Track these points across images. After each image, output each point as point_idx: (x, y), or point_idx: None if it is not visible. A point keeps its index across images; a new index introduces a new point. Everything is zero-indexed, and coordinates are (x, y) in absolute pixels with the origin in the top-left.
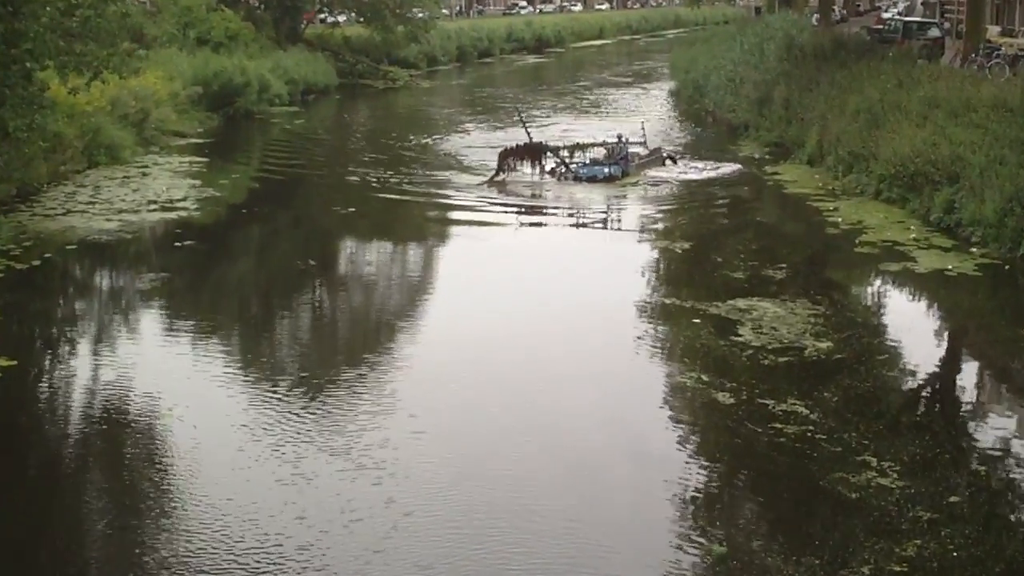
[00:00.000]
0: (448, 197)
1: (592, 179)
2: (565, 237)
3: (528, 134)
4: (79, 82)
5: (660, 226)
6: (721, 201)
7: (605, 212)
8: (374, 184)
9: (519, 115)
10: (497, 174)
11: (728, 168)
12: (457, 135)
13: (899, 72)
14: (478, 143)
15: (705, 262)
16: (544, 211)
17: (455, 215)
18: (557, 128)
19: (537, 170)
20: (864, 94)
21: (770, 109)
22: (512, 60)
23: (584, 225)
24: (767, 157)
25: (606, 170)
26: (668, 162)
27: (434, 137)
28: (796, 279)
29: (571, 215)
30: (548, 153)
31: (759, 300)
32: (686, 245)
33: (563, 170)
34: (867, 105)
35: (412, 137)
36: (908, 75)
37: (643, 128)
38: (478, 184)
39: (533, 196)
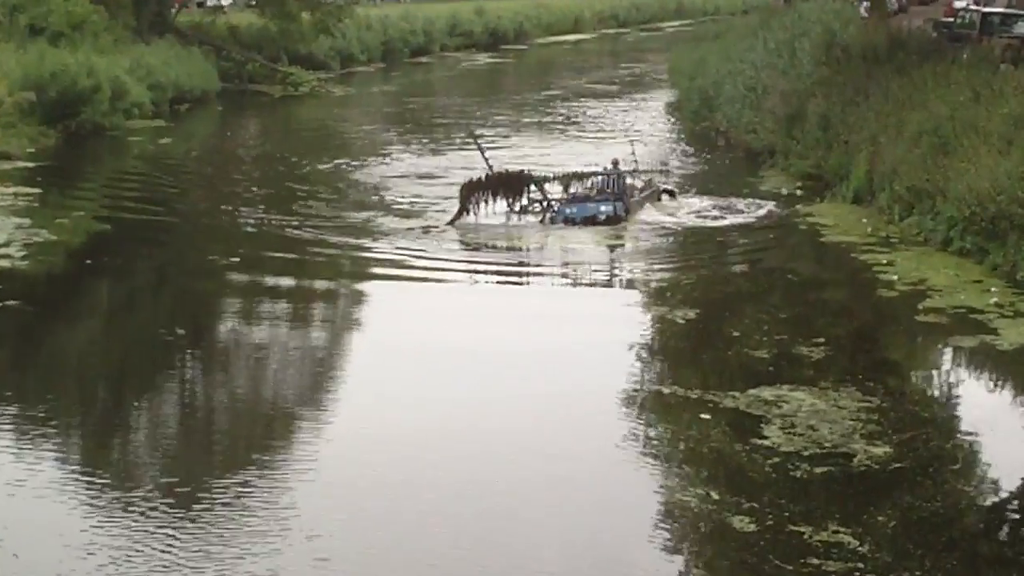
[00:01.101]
0: (369, 248)
1: (589, 220)
2: (539, 301)
3: (487, 162)
4: None
5: (659, 286)
6: (738, 252)
7: (602, 267)
8: (267, 228)
9: (473, 137)
10: (460, 215)
11: (748, 207)
12: (382, 162)
13: (975, 81)
14: (411, 173)
15: (717, 336)
16: (519, 267)
17: (381, 271)
18: (517, 153)
19: (518, 208)
20: (929, 110)
21: (803, 129)
22: (457, 60)
23: (571, 283)
24: (799, 193)
25: (603, 208)
26: (665, 197)
27: (350, 164)
28: (839, 359)
29: (554, 271)
30: (533, 187)
31: (790, 388)
32: (692, 313)
33: (546, 208)
34: (933, 125)
35: (320, 164)
36: (988, 85)
37: (634, 153)
38: (419, 230)
39: (504, 247)
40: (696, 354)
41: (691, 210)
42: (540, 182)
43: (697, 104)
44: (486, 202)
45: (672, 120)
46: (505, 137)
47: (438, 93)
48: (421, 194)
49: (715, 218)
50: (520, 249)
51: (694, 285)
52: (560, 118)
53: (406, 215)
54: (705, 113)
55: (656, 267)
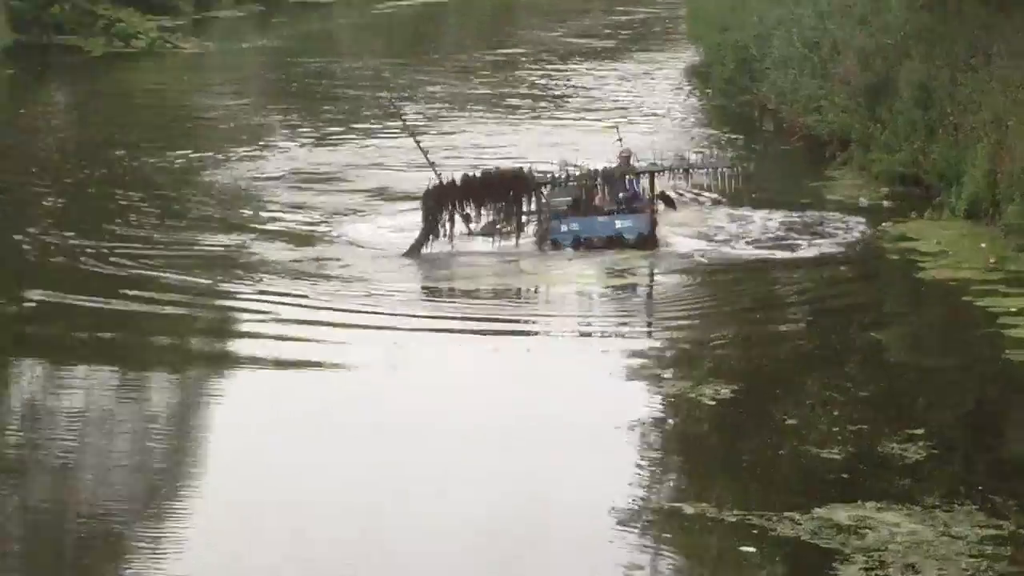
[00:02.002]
0: (229, 295)
1: (605, 242)
2: (510, 365)
3: (433, 166)
4: None
5: (680, 346)
6: (795, 295)
7: (596, 317)
8: (76, 259)
9: (401, 119)
10: (425, 239)
11: (808, 225)
12: (252, 156)
13: None
14: (296, 173)
15: (765, 425)
16: (482, 320)
17: (245, 341)
18: (464, 139)
19: (512, 226)
20: None
21: (892, 107)
22: (369, 1)
23: (550, 336)
24: (885, 203)
25: (622, 224)
26: (660, 205)
27: (205, 160)
28: (950, 461)
29: (529, 323)
30: (534, 194)
31: (876, 507)
32: (727, 388)
33: (543, 226)
34: None
35: (159, 159)
36: None
37: (620, 140)
38: (311, 263)
39: (466, 290)
40: (733, 453)
41: (724, 230)
42: (543, 185)
43: (732, 69)
44: (466, 217)
45: (694, 93)
46: (445, 117)
47: (341, 51)
48: (312, 205)
49: (761, 243)
50: (492, 294)
51: (731, 346)
52: (527, 90)
53: (288, 239)
54: (744, 83)
55: (676, 317)
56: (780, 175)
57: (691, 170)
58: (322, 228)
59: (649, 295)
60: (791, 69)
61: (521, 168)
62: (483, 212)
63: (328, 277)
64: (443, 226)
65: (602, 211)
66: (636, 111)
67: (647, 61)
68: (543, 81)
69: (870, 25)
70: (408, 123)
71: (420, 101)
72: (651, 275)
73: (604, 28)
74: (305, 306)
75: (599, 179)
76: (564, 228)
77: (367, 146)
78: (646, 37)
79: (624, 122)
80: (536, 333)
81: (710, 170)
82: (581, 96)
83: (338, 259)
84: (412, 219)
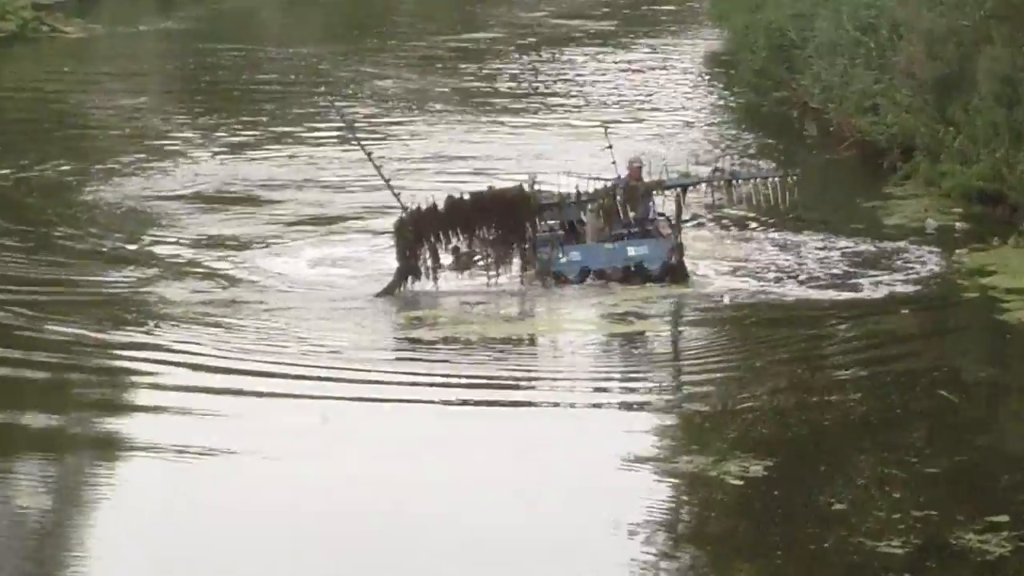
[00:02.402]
0: (122, 348)
1: (631, 274)
2: (486, 455)
3: (394, 192)
4: None
5: (703, 409)
6: (847, 346)
7: (599, 374)
8: None
9: (343, 119)
10: (403, 279)
11: (863, 255)
12: (150, 168)
13: None
14: (206, 190)
15: (806, 509)
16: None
17: (160, 401)
18: (424, 148)
19: (516, 260)
20: None
21: (968, 106)
22: None
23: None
24: (958, 227)
25: (637, 251)
26: (663, 226)
27: (89, 172)
28: None
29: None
30: (539, 220)
31: None
32: (758, 465)
33: (547, 259)
34: None
35: (31, 171)
36: None
37: (610, 147)
38: (225, 304)
39: (445, 337)
40: (765, 546)
41: (761, 262)
42: (560, 205)
43: (764, 58)
44: (455, 252)
45: (717, 88)
46: (397, 123)
47: (265, 36)
48: (225, 232)
49: (804, 279)
50: (462, 347)
51: (764, 410)
52: (504, 86)
53: (194, 277)
54: (780, 75)
55: (696, 374)
56: (827, 192)
57: (734, 182)
58: (237, 262)
59: (665, 346)
60: (839, 58)
61: (521, 186)
62: (475, 244)
63: (243, 327)
64: (424, 264)
65: (635, 237)
66: (644, 112)
67: (657, 48)
68: (524, 74)
69: (940, 2)
70: (352, 126)
71: (367, 100)
72: (671, 320)
73: (601, 6)
74: (213, 367)
75: (619, 196)
76: (563, 258)
77: (295, 157)
78: (655, 17)
79: (627, 127)
80: (517, 403)
81: (756, 182)
82: (573, 93)
83: (259, 302)
84: (352, 250)
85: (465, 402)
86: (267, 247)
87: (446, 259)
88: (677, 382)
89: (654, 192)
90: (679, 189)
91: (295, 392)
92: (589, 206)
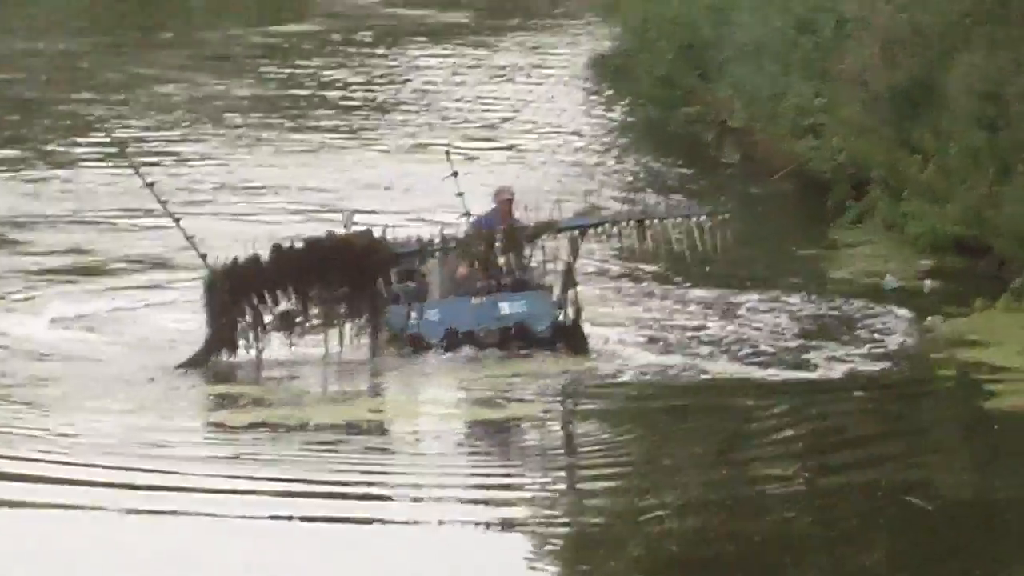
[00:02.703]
0: None
1: (514, 336)
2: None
3: (172, 214)
4: None
5: (592, 521)
6: (786, 437)
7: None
8: None
9: (110, 137)
10: (214, 347)
11: (809, 318)
12: None
13: None
14: None
15: None
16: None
17: None
18: (216, 175)
19: (356, 328)
20: None
21: (938, 127)
22: None
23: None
24: (928, 284)
25: (516, 307)
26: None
27: None
28: None
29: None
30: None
31: None
32: None
33: (402, 320)
34: None
35: None
36: None
37: (453, 170)
38: None
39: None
40: None
41: (679, 327)
42: (419, 254)
43: (669, 63)
44: (285, 317)
45: (607, 99)
46: (183, 140)
47: (8, 24)
48: None
49: (725, 351)
50: (270, 441)
51: (677, 520)
52: (326, 93)
53: None
54: (689, 83)
55: (590, 473)
56: (755, 238)
57: (647, 222)
58: None
59: (550, 438)
60: (768, 62)
61: (370, 231)
62: (311, 305)
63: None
64: (244, 331)
65: (474, 288)
66: (513, 131)
67: (526, 47)
68: (353, 79)
69: None
70: (121, 146)
71: (143, 110)
72: (558, 402)
73: None
74: None
75: (498, 242)
76: (419, 316)
77: (47, 183)
78: (522, 8)
79: (492, 151)
80: (337, 519)
81: (677, 221)
82: (418, 107)
83: None
84: (113, 306)
85: (291, 518)
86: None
87: (272, 323)
88: (566, 486)
89: (543, 236)
90: (576, 231)
91: (57, 501)
92: (437, 253)
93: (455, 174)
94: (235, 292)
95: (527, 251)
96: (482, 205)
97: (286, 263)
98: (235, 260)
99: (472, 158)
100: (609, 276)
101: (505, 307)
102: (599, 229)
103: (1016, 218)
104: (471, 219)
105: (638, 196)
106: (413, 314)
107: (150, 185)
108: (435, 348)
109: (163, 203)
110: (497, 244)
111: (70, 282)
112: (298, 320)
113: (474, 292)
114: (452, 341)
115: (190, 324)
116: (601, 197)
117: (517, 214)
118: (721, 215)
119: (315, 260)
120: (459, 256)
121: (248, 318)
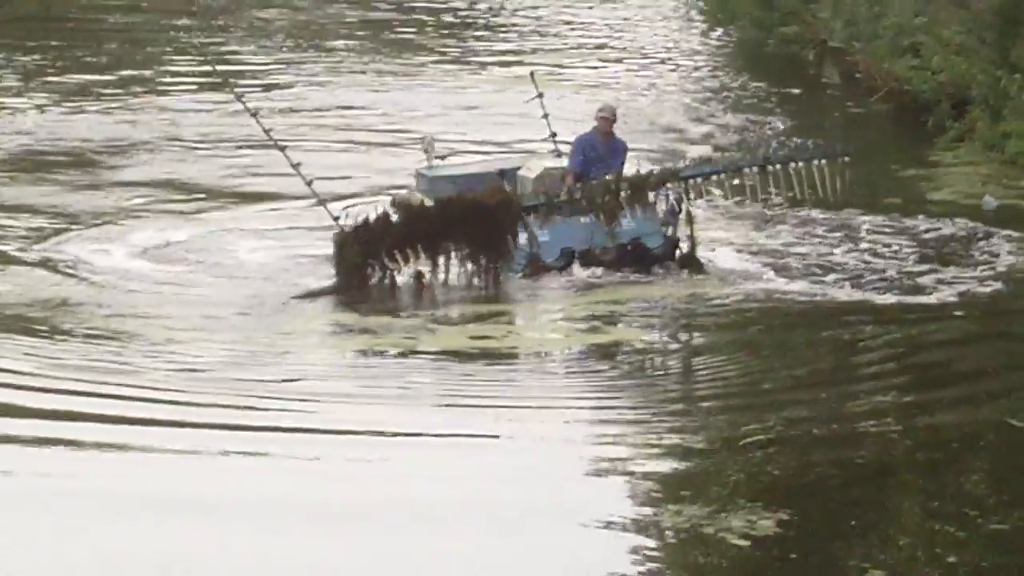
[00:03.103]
0: None
1: (631, 252)
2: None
3: (298, 171)
4: None
5: (696, 447)
6: (884, 357)
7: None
8: None
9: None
10: (335, 292)
11: (913, 242)
12: None
13: None
14: (31, 146)
15: None
16: None
17: None
18: (308, 97)
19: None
20: None
21: None
22: None
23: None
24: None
25: (634, 224)
26: (669, 216)
27: None
28: None
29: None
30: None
31: None
32: (769, 520)
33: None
34: None
35: None
36: None
37: (539, 91)
38: None
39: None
40: None
41: (766, 247)
42: (546, 208)
43: None
44: (418, 277)
45: (707, 22)
46: (287, 65)
47: None
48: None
49: (828, 272)
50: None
51: (777, 447)
52: (430, 18)
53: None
54: (789, 4)
55: (692, 400)
56: (856, 158)
57: (769, 168)
58: (39, 250)
59: (653, 360)
60: None
61: (502, 188)
62: (441, 264)
63: (69, 333)
64: (374, 287)
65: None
66: (614, 55)
67: None
68: (454, 3)
69: None
70: (224, 76)
71: (243, 37)
72: (660, 326)
73: None
74: (31, 386)
75: (624, 190)
76: (534, 239)
77: (137, 109)
78: None
79: (594, 72)
80: (474, 435)
81: (800, 165)
82: (518, 29)
83: (80, 304)
84: (197, 233)
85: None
86: (99, 226)
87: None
88: (667, 407)
89: (666, 185)
90: (699, 179)
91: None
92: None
93: (540, 95)
94: (365, 254)
95: (651, 199)
96: (584, 127)
97: (417, 223)
98: (366, 220)
99: (570, 81)
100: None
101: (624, 222)
102: (722, 176)
103: None
104: (573, 139)
105: (737, 115)
106: (524, 237)
107: (254, 114)
108: (553, 267)
109: (268, 131)
110: (623, 195)
111: (165, 211)
112: (427, 279)
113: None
114: (569, 261)
115: (280, 252)
116: (706, 118)
117: (618, 134)
118: (841, 158)
119: (446, 220)
120: (586, 209)
121: (378, 278)
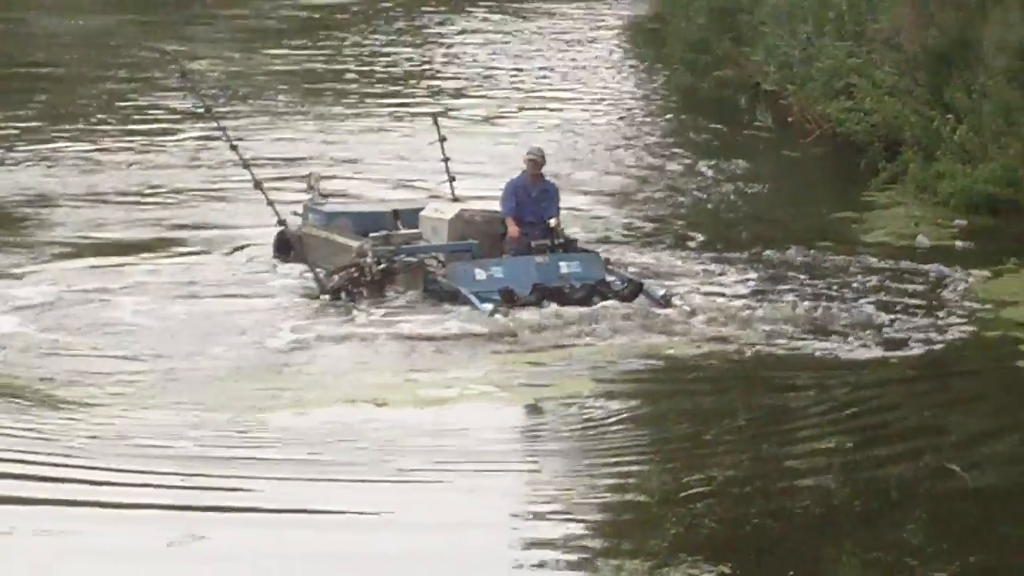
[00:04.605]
0: None
1: (596, 291)
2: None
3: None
4: None
5: (632, 499)
6: (822, 405)
7: None
8: None
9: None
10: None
11: (854, 280)
12: None
13: None
14: None
15: None
16: None
17: None
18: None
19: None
20: None
21: (972, 88)
22: None
23: None
24: (960, 244)
25: (577, 267)
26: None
27: None
28: None
29: None
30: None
31: None
32: (714, 572)
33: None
34: None
35: None
36: None
37: (445, 160)
38: None
39: None
40: None
41: (703, 303)
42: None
43: (702, 27)
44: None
45: (641, 66)
46: (229, 114)
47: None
48: None
49: (761, 317)
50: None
51: (717, 497)
52: (365, 67)
53: None
54: (723, 47)
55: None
56: (788, 200)
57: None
58: None
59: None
60: (801, 24)
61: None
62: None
63: None
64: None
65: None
66: (549, 95)
67: (563, 15)
68: (384, 49)
69: None
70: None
71: (180, 88)
72: (604, 376)
73: None
74: None
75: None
76: (483, 275)
77: (64, 157)
78: None
79: (528, 113)
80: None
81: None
82: (447, 73)
83: None
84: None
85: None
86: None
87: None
88: (602, 460)
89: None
90: None
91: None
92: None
93: (443, 139)
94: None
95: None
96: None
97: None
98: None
99: (502, 125)
100: (655, 246)
101: (564, 266)
102: None
103: None
104: (504, 184)
105: (671, 160)
106: (479, 271)
107: (234, 147)
108: (527, 303)
109: (247, 165)
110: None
111: (73, 259)
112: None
113: (528, 251)
114: (542, 298)
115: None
116: (638, 162)
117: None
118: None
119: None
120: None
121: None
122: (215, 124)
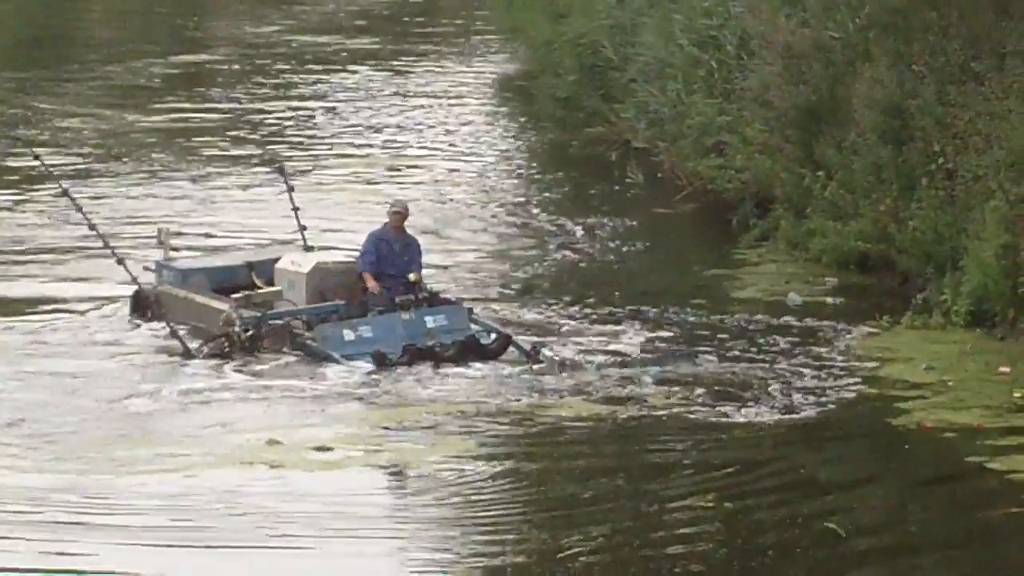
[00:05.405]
0: None
1: (468, 348)
2: None
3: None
4: None
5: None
6: (691, 464)
7: None
8: None
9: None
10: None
11: (724, 334)
12: None
13: None
14: None
15: None
16: None
17: None
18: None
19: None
20: None
21: (842, 144)
22: None
23: None
24: (831, 300)
25: (443, 320)
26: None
27: None
28: None
29: None
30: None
31: None
32: None
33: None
34: None
35: None
36: None
37: (295, 210)
38: None
39: None
40: None
41: (571, 362)
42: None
43: (572, 84)
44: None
45: (510, 122)
46: (96, 174)
47: None
48: None
49: (642, 390)
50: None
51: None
52: (220, 123)
53: None
54: (593, 105)
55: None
56: (659, 259)
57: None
58: None
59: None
60: (671, 82)
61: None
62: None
63: None
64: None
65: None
66: (417, 151)
67: (434, 72)
68: (257, 106)
69: (803, 9)
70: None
71: (49, 145)
72: (482, 439)
73: (356, 17)
74: None
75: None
76: (352, 335)
77: None
78: (429, 33)
79: (396, 173)
80: None
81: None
82: (322, 130)
83: None
84: None
85: None
86: None
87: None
88: (480, 520)
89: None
90: None
91: None
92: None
93: (291, 189)
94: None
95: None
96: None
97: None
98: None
99: (371, 180)
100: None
101: (430, 321)
102: None
103: (920, 234)
104: (365, 235)
105: (540, 217)
106: (348, 331)
107: (80, 208)
108: (399, 363)
109: (105, 241)
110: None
111: None
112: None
113: (390, 307)
114: (413, 357)
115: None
116: (508, 219)
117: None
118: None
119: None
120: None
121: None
122: (57, 186)
